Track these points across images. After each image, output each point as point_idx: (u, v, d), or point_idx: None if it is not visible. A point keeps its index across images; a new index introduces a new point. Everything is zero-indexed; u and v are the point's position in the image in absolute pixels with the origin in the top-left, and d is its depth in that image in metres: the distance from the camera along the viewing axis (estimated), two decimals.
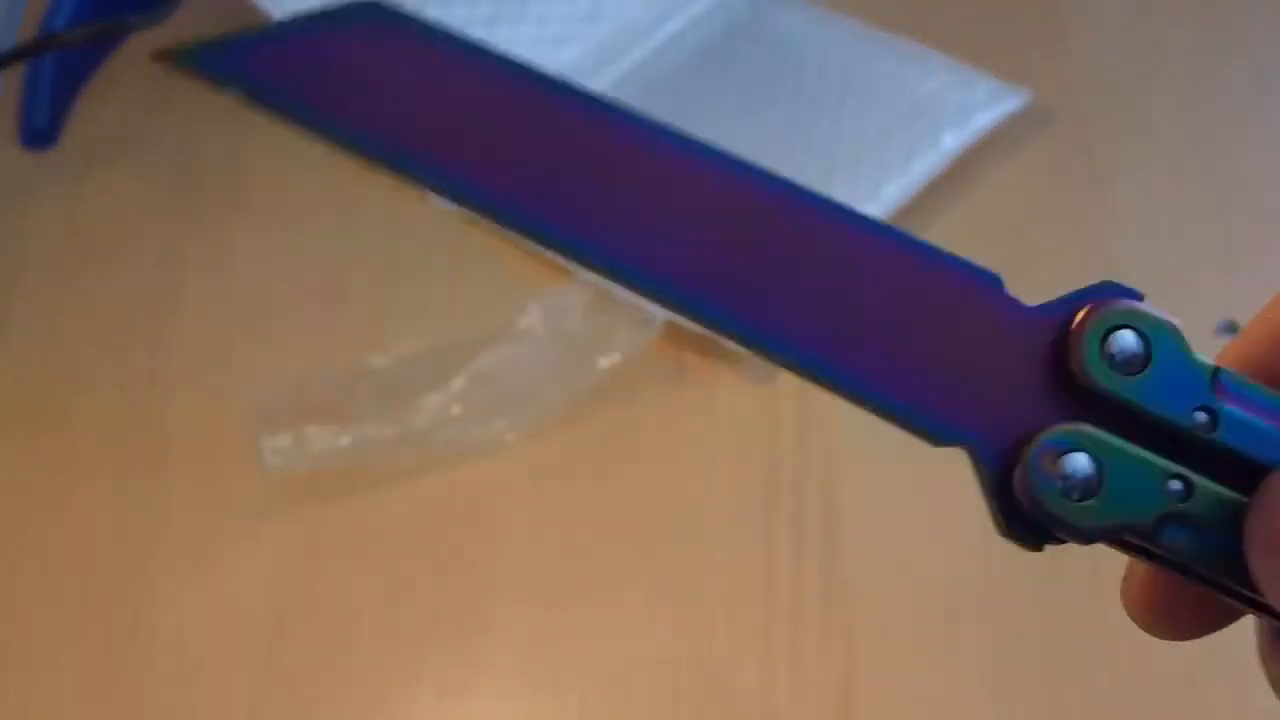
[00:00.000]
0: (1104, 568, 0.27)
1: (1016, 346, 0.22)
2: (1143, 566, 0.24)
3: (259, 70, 0.22)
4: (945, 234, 0.62)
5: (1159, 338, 0.22)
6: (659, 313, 0.57)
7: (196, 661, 0.51)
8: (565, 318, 0.58)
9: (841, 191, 0.61)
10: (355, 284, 0.62)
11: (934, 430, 0.22)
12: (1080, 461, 0.22)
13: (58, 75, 0.68)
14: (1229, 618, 0.25)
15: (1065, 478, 0.22)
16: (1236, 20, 0.70)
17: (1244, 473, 0.22)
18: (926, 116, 0.64)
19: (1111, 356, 0.22)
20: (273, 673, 0.51)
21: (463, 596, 0.53)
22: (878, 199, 0.61)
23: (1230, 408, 0.22)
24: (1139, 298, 0.22)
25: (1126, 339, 0.22)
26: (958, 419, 0.22)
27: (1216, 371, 0.22)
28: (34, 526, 0.55)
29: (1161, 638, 0.26)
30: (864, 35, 0.68)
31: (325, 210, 0.64)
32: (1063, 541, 0.22)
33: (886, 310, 0.22)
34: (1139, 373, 0.22)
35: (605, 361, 0.57)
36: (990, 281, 0.22)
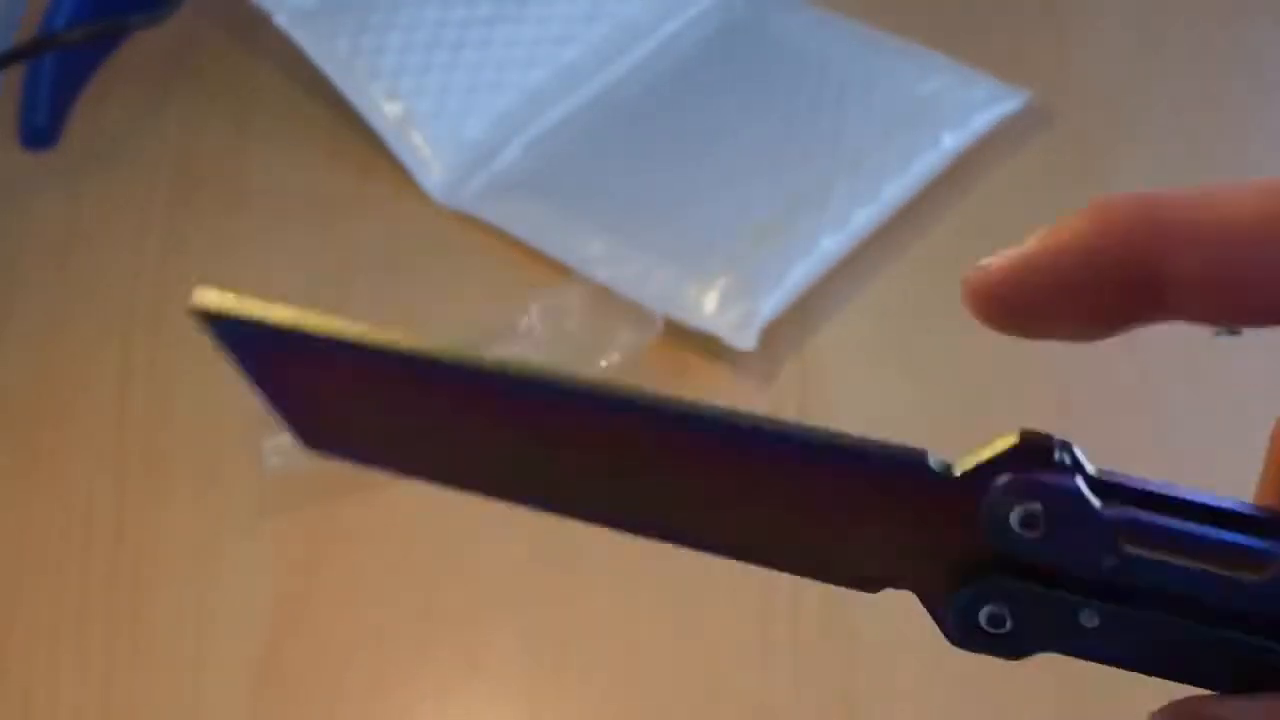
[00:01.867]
0: None
1: (939, 516, 0.24)
2: (1012, 260, 0.23)
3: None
4: (945, 234, 0.62)
5: (1059, 508, 0.23)
6: (659, 312, 0.57)
7: (196, 661, 0.51)
8: (565, 318, 0.58)
9: (842, 192, 0.61)
10: (355, 284, 0.62)
11: (875, 588, 0.25)
12: (990, 612, 0.24)
13: (58, 75, 0.68)
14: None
15: (979, 625, 0.25)
16: (1236, 20, 0.70)
17: (1158, 601, 0.23)
18: (926, 117, 0.64)
19: (1016, 527, 0.23)
20: (273, 672, 0.51)
21: (463, 596, 0.53)
22: (878, 199, 0.61)
23: (1138, 553, 0.23)
24: (1050, 452, 0.23)
25: (1029, 511, 0.23)
26: (895, 580, 0.25)
27: (1118, 527, 0.23)
28: (34, 526, 0.55)
29: (1017, 334, 0.24)
30: (864, 36, 0.68)
31: (325, 210, 0.64)
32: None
33: (823, 509, 0.24)
34: (1044, 539, 0.23)
35: (605, 361, 0.57)
36: (913, 461, 0.24)
